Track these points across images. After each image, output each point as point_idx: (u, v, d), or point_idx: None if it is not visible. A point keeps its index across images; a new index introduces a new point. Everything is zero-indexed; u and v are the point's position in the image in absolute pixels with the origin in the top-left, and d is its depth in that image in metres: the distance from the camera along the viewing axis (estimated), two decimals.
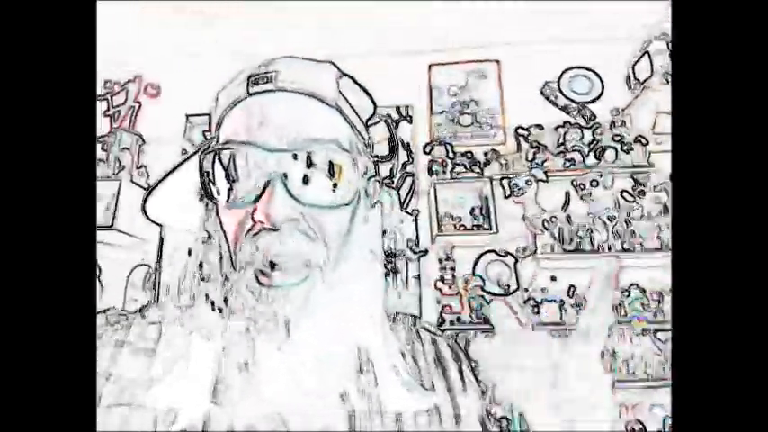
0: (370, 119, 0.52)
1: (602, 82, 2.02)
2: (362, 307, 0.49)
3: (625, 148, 1.78)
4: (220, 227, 0.47)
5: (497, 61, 2.17)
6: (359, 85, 0.51)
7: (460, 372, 0.53)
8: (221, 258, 0.47)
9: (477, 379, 0.55)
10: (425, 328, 0.58)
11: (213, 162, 0.45)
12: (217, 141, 0.48)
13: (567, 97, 2.04)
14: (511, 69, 2.15)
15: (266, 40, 1.94)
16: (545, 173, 1.78)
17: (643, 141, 1.78)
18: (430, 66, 2.20)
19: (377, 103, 0.53)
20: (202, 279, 0.48)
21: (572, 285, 1.68)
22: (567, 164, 1.81)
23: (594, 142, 1.81)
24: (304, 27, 1.95)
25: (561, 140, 1.87)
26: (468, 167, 1.93)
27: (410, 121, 2.14)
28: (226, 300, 0.46)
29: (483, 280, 1.83)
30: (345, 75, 0.50)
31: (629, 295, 1.63)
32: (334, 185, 0.45)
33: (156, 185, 0.60)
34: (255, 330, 0.45)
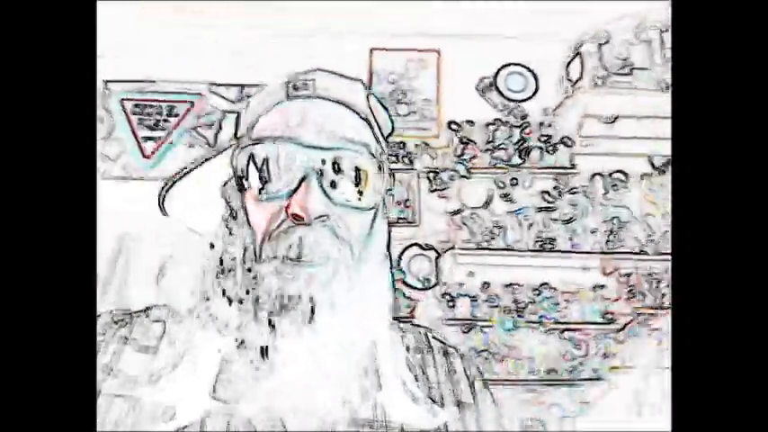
0: (388, 136, 0.57)
1: (536, 81, 2.05)
2: (374, 310, 0.52)
3: (550, 149, 1.82)
4: (247, 221, 0.50)
5: (438, 51, 2.15)
6: (381, 104, 0.56)
7: (472, 386, 0.55)
8: (245, 252, 0.50)
9: (491, 395, 0.56)
10: (436, 338, 0.59)
11: (247, 157, 0.49)
12: (250, 139, 0.51)
13: (501, 94, 2.05)
14: (450, 61, 2.13)
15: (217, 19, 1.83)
16: (468, 169, 1.81)
17: (568, 143, 1.83)
18: (372, 50, 2.15)
19: (393, 123, 0.58)
20: (222, 273, 0.50)
21: (486, 282, 1.74)
22: (494, 162, 1.84)
23: (521, 141, 1.85)
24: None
25: (491, 138, 1.89)
26: (398, 158, 1.93)
27: None
28: (248, 291, 0.48)
29: (404, 273, 1.87)
30: (372, 94, 0.55)
31: (539, 294, 1.71)
32: (360, 192, 0.49)
33: (174, 182, 0.60)
34: (278, 314, 0.47)
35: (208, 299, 0.50)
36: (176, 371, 0.48)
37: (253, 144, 0.49)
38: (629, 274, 1.77)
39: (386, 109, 0.56)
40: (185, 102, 2.06)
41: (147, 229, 1.60)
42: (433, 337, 0.59)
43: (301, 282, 0.47)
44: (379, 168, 0.51)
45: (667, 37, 1.88)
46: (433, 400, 0.51)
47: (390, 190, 0.55)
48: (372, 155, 0.50)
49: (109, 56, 1.94)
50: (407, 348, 0.55)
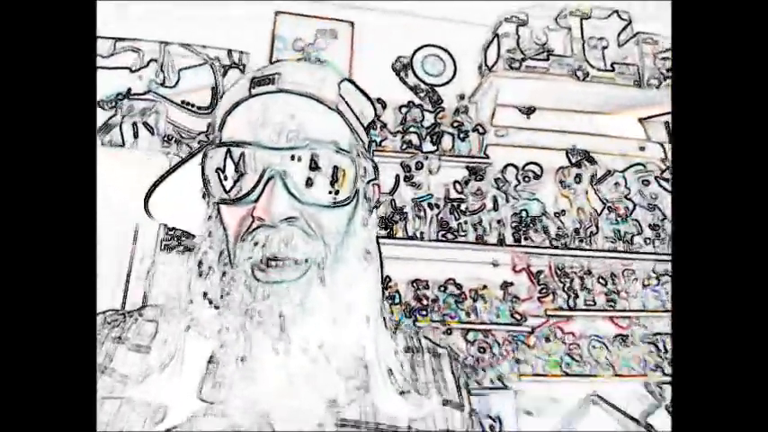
0: (370, 124, 0.53)
1: (455, 65, 1.93)
2: (359, 309, 0.49)
3: (462, 136, 1.69)
4: (221, 224, 0.48)
5: (351, 23, 1.97)
6: (360, 89, 0.52)
7: (458, 387, 0.55)
8: (221, 255, 0.48)
9: (469, 399, 0.55)
10: (427, 338, 0.59)
11: (215, 161, 0.47)
12: (219, 141, 0.49)
13: (417, 77, 1.91)
14: (365, 35, 1.96)
15: None
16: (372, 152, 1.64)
17: (480, 131, 1.71)
18: (277, 13, 1.92)
19: (376, 108, 0.56)
20: (200, 276, 0.48)
21: (387, 276, 1.55)
22: (404, 146, 1.67)
23: (433, 126, 1.69)
24: None
25: (402, 120, 1.73)
26: None
27: (242, 70, 1.83)
28: (222, 296, 0.47)
29: None
30: (347, 79, 0.51)
31: (445, 290, 1.54)
32: (337, 192, 0.47)
33: (158, 184, 0.57)
34: (251, 327, 0.46)
35: (191, 301, 0.50)
36: (165, 371, 0.48)
37: (216, 147, 0.48)
38: (540, 272, 1.66)
39: (365, 95, 0.54)
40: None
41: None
42: (425, 337, 0.59)
43: (271, 298, 0.46)
44: (352, 162, 0.49)
45: (588, 25, 1.84)
46: (419, 393, 0.52)
47: (373, 180, 0.53)
48: (343, 149, 0.48)
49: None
50: (398, 347, 0.55)
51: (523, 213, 1.64)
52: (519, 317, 1.55)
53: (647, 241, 1.71)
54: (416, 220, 1.54)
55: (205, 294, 0.49)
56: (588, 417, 1.51)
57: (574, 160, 1.82)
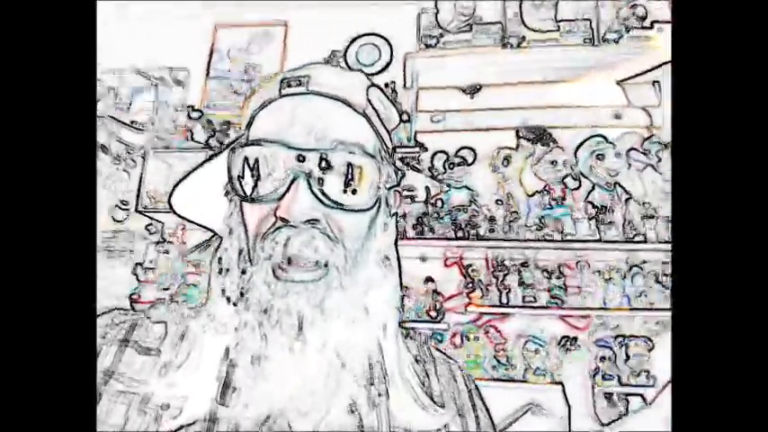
0: (394, 129, 0.57)
1: (391, 51, 1.83)
2: (377, 316, 0.51)
3: None
4: (242, 222, 0.51)
5: (285, 23, 1.97)
6: (386, 95, 0.56)
7: (470, 397, 0.57)
8: (240, 253, 0.51)
9: (486, 409, 0.57)
10: (438, 350, 0.61)
11: (241, 159, 0.49)
12: (246, 140, 0.52)
13: (351, 69, 1.85)
14: (298, 33, 1.95)
15: None
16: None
17: (404, 119, 1.60)
18: (216, 26, 2.00)
19: (401, 114, 0.61)
20: (219, 273, 0.51)
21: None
22: None
23: None
24: None
25: None
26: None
27: (183, 87, 1.95)
28: (242, 293, 0.49)
29: None
30: (374, 85, 0.55)
31: None
32: (353, 191, 0.48)
33: (182, 180, 0.62)
34: (269, 325, 0.47)
35: (208, 297, 0.51)
36: (180, 370, 0.48)
37: (243, 146, 0.49)
38: (469, 266, 1.52)
39: (392, 101, 0.55)
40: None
41: None
42: (436, 349, 0.60)
43: (289, 296, 0.46)
44: (377, 168, 0.49)
45: None
46: (436, 404, 0.52)
47: (395, 186, 0.54)
48: (369, 153, 0.49)
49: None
50: (411, 354, 0.55)
51: (439, 203, 1.51)
52: (435, 314, 1.44)
53: (607, 227, 1.46)
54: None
55: (223, 291, 0.50)
56: (520, 427, 1.35)
57: (526, 138, 1.62)
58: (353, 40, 1.84)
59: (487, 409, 0.58)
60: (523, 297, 1.46)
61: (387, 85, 1.72)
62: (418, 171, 1.64)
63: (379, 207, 0.52)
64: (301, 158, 0.47)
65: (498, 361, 1.40)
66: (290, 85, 0.51)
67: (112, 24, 1.89)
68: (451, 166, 1.55)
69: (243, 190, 0.49)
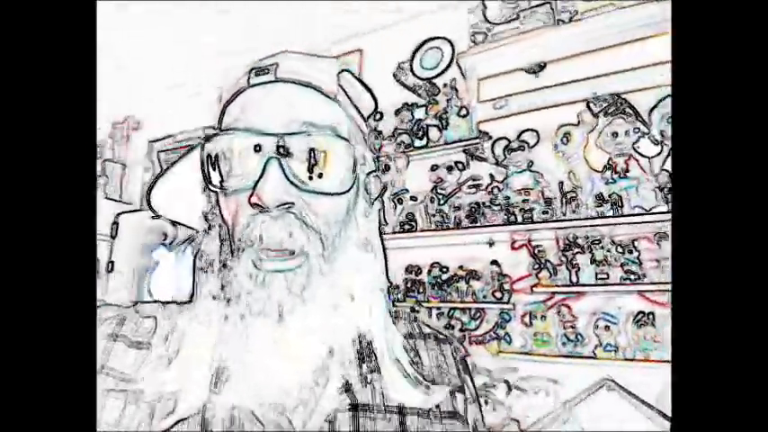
0: (371, 115, 0.55)
1: (453, 50, 1.91)
2: (361, 300, 0.51)
3: (444, 124, 1.72)
4: (220, 215, 0.50)
5: (360, 51, 2.19)
6: (359, 80, 0.54)
7: (458, 373, 0.55)
8: (221, 247, 0.50)
9: (473, 383, 0.57)
10: (428, 325, 0.59)
11: (212, 151, 0.48)
12: (216, 131, 0.51)
13: (415, 75, 1.99)
14: (371, 57, 2.15)
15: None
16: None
17: (463, 113, 1.69)
18: None
19: (377, 99, 0.57)
20: (201, 270, 0.51)
21: None
22: (399, 148, 1.84)
23: (417, 122, 1.80)
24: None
25: (399, 124, 1.89)
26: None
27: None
28: (223, 287, 0.48)
29: None
30: (346, 70, 0.53)
31: (429, 273, 1.66)
32: (320, 174, 0.47)
33: (159, 178, 0.63)
34: (251, 317, 0.47)
35: (194, 294, 0.51)
36: (174, 364, 0.48)
37: (209, 138, 0.48)
38: (537, 247, 1.55)
39: (365, 86, 0.53)
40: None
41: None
42: (426, 324, 0.59)
43: (269, 286, 0.46)
44: (349, 149, 0.48)
45: None
46: (426, 381, 0.52)
47: (374, 172, 0.53)
48: (341, 136, 0.48)
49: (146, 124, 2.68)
50: (401, 334, 0.55)
51: (504, 188, 1.57)
52: (501, 295, 1.52)
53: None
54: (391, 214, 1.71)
55: (206, 287, 0.50)
56: (596, 404, 1.36)
57: (597, 110, 1.56)
58: (417, 48, 2.01)
59: (475, 388, 0.56)
60: (596, 274, 1.44)
61: (445, 84, 1.85)
62: (482, 160, 1.73)
63: (358, 192, 0.51)
64: (257, 148, 0.45)
65: (568, 338, 1.42)
66: (257, 75, 0.49)
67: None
68: (511, 150, 1.60)
69: (214, 183, 0.48)
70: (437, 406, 0.50)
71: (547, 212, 1.51)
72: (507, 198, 1.57)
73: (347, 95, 0.51)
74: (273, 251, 0.45)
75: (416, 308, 1.63)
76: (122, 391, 0.47)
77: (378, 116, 1.97)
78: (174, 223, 2.41)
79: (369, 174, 0.52)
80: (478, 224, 1.63)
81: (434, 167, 1.75)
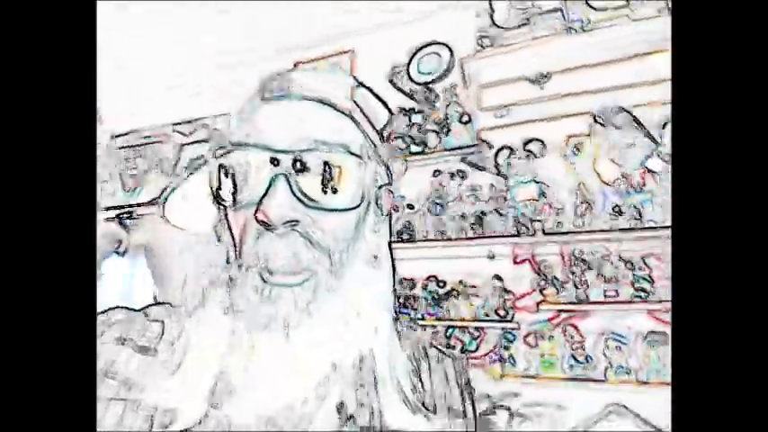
0: (384, 127, 0.55)
1: (451, 55, 1.86)
2: (367, 317, 0.50)
3: (444, 130, 1.64)
4: (228, 229, 0.50)
5: (352, 51, 2.11)
6: (374, 94, 0.54)
7: (462, 395, 0.55)
8: (228, 260, 0.50)
9: (473, 406, 0.56)
10: (434, 346, 0.59)
11: (219, 166, 0.49)
12: (228, 145, 0.52)
13: (412, 80, 1.92)
14: (363, 58, 2.08)
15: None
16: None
17: (464, 120, 1.62)
18: (295, 64, 2.24)
19: (392, 112, 0.58)
20: (210, 282, 0.51)
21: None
22: (394, 153, 1.73)
23: (415, 127, 1.70)
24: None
25: (392, 129, 1.79)
26: None
27: None
28: (231, 300, 0.49)
29: None
30: (361, 84, 0.53)
31: (425, 288, 1.54)
32: (334, 190, 0.47)
33: (173, 190, 0.64)
34: (257, 331, 0.47)
35: (203, 304, 0.51)
36: (178, 374, 0.48)
37: (222, 154, 0.48)
38: (542, 261, 1.47)
39: (379, 98, 0.54)
40: (156, 142, 2.50)
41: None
42: (431, 345, 0.58)
43: (276, 301, 0.46)
44: (360, 165, 0.48)
45: None
46: (427, 408, 0.51)
47: (387, 185, 0.53)
48: (353, 153, 0.47)
49: (108, 118, 2.51)
50: (404, 356, 0.54)
51: (508, 199, 1.49)
52: (504, 313, 1.42)
53: None
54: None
55: (214, 299, 0.49)
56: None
57: (606, 122, 1.52)
58: (415, 52, 1.94)
59: (474, 412, 0.54)
60: (605, 292, 1.37)
61: (446, 89, 1.78)
62: (481, 169, 1.65)
63: (368, 207, 0.50)
64: (275, 162, 0.45)
65: (576, 360, 1.33)
66: (270, 90, 0.50)
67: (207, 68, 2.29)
68: (514, 160, 1.53)
69: (223, 197, 0.48)
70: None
71: (555, 225, 1.43)
72: (514, 209, 1.49)
73: (361, 110, 0.51)
74: (276, 267, 0.45)
75: (413, 326, 1.50)
76: (122, 399, 0.47)
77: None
78: (125, 227, 2.24)
79: (380, 187, 0.51)
80: (480, 235, 1.53)
81: (437, 173, 1.65)
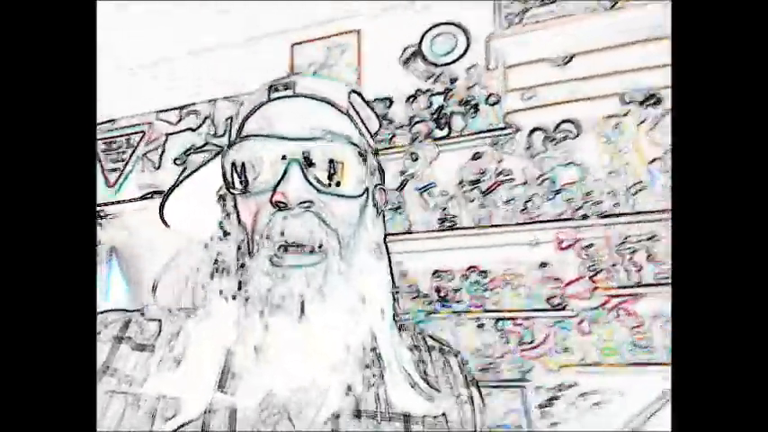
0: (374, 135, 0.59)
1: (467, 36, 1.78)
2: (374, 302, 0.53)
3: (471, 111, 1.55)
4: (238, 220, 0.52)
5: (358, 31, 1.98)
6: (366, 102, 0.58)
7: (467, 385, 0.57)
8: (239, 249, 0.52)
9: (480, 395, 0.58)
10: (432, 338, 0.61)
11: (234, 157, 0.52)
12: (239, 138, 0.54)
13: (427, 60, 1.82)
14: (371, 38, 1.95)
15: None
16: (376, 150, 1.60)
17: (492, 101, 1.54)
18: (292, 45, 2.07)
19: (381, 121, 0.61)
20: (216, 271, 0.53)
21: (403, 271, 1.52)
22: (415, 137, 1.62)
23: (439, 110, 1.60)
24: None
25: (412, 112, 1.68)
26: None
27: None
28: (240, 287, 0.50)
29: None
30: (354, 91, 0.57)
31: (466, 278, 1.45)
32: (338, 183, 0.50)
33: (172, 191, 0.64)
34: (269, 313, 0.48)
35: (205, 298, 0.53)
36: (181, 366, 0.50)
37: (236, 143, 0.52)
38: (589, 246, 1.42)
39: (371, 107, 0.58)
40: (138, 132, 2.21)
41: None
42: (430, 336, 0.60)
43: (290, 280, 0.48)
44: (363, 159, 0.52)
45: None
46: (433, 389, 0.53)
47: (380, 185, 0.56)
48: (355, 144, 0.52)
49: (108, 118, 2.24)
50: (406, 344, 0.57)
51: (547, 184, 1.42)
52: (558, 301, 1.35)
53: None
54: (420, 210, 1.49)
55: (221, 292, 0.51)
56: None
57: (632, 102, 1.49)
58: (426, 32, 1.83)
59: (482, 398, 0.57)
60: (655, 274, 1.34)
61: (468, 69, 1.68)
62: (509, 153, 1.58)
63: (368, 199, 0.54)
64: (284, 157, 0.49)
65: (635, 344, 1.29)
66: (277, 90, 0.54)
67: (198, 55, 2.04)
68: (551, 142, 1.47)
69: (238, 186, 0.51)
70: (443, 414, 0.52)
71: (598, 207, 1.38)
72: (558, 192, 1.42)
73: (358, 114, 0.55)
74: (293, 247, 0.48)
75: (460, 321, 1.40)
76: (123, 393, 0.48)
77: (387, 103, 1.73)
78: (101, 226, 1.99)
79: (375, 186, 0.56)
80: (523, 222, 1.45)
81: (476, 156, 1.54)
